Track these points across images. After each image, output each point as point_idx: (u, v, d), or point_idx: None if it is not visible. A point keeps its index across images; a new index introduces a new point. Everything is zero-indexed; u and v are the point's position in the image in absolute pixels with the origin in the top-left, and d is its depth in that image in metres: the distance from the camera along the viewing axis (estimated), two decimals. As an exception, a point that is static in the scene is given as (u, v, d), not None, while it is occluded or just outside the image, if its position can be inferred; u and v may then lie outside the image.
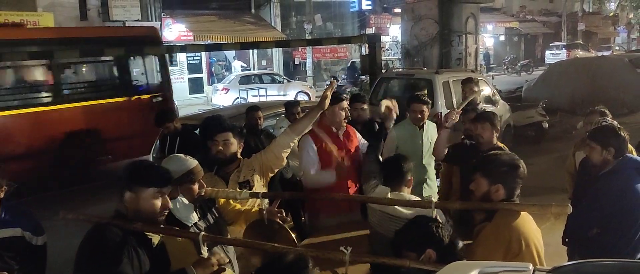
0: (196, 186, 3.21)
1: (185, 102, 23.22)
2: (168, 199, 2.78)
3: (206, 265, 2.68)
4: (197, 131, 6.62)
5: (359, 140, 5.12)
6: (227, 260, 2.84)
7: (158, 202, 2.75)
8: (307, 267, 1.99)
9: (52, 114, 10.30)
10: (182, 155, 3.31)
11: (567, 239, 4.36)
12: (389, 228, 3.49)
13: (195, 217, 3.20)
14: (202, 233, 2.89)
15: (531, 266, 1.80)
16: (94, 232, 2.71)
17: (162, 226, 2.86)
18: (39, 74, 10.95)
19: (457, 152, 5.03)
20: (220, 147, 3.94)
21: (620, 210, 3.77)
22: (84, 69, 11.91)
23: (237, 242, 3.29)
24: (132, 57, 11.84)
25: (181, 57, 24.88)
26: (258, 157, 4.14)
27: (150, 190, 2.73)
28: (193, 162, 3.23)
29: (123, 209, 2.77)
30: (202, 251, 2.80)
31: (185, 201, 3.17)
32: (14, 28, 11.09)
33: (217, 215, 3.42)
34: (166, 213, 2.79)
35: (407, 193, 3.85)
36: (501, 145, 4.86)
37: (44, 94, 10.66)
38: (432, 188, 5.65)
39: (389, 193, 3.77)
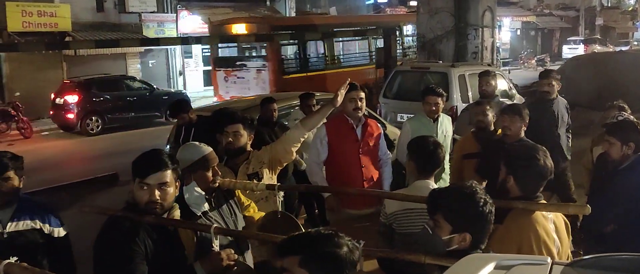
0: (210, 173, 3.20)
1: (201, 94, 23.27)
2: (155, 192, 2.67)
3: (215, 260, 2.67)
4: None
5: (381, 137, 5.08)
6: (236, 256, 2.82)
7: (141, 194, 2.68)
8: (343, 246, 1.83)
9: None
10: (197, 142, 3.32)
11: (582, 236, 4.31)
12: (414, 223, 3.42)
13: (206, 206, 3.18)
14: (214, 225, 2.88)
15: (549, 260, 1.77)
16: (107, 226, 2.72)
17: (174, 218, 2.83)
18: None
19: (479, 144, 5.04)
20: (230, 139, 3.95)
21: (639, 206, 3.71)
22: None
23: (248, 234, 3.27)
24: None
25: (196, 49, 24.92)
26: (268, 150, 4.14)
27: (136, 181, 2.70)
28: (207, 149, 3.23)
29: (131, 199, 2.76)
30: (213, 245, 2.79)
31: (198, 189, 3.16)
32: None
33: (235, 209, 3.40)
34: (158, 206, 2.69)
35: (433, 182, 3.73)
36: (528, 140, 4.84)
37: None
38: (447, 182, 5.61)
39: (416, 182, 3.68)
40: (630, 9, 50.45)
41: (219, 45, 17.42)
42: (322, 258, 1.79)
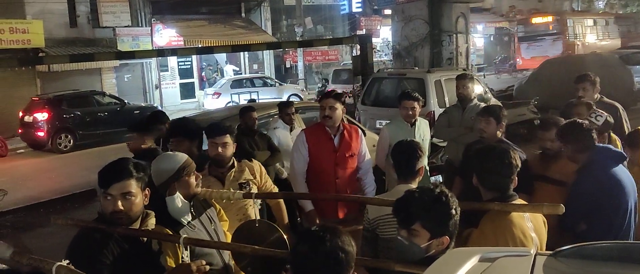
0: (193, 178, 3.17)
1: (177, 108, 23.15)
2: (118, 202, 2.63)
3: (185, 271, 2.68)
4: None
5: (361, 146, 5.04)
6: (208, 267, 2.80)
7: (105, 204, 2.66)
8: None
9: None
10: (170, 152, 3.31)
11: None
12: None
13: (189, 216, 3.15)
14: (183, 236, 2.85)
15: (532, 250, 1.79)
16: (76, 238, 2.70)
17: (144, 229, 2.78)
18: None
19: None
20: (220, 150, 4.02)
21: (603, 200, 3.69)
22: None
23: (221, 245, 3.24)
24: None
25: (172, 62, 24.81)
26: (264, 179, 4.34)
27: (101, 191, 2.68)
28: (183, 156, 3.21)
29: (101, 210, 2.74)
30: (183, 256, 2.79)
31: (181, 199, 3.12)
32: None
33: (214, 218, 3.37)
34: (123, 216, 2.65)
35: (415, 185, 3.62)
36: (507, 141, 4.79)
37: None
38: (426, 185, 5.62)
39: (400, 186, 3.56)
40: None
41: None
42: None
